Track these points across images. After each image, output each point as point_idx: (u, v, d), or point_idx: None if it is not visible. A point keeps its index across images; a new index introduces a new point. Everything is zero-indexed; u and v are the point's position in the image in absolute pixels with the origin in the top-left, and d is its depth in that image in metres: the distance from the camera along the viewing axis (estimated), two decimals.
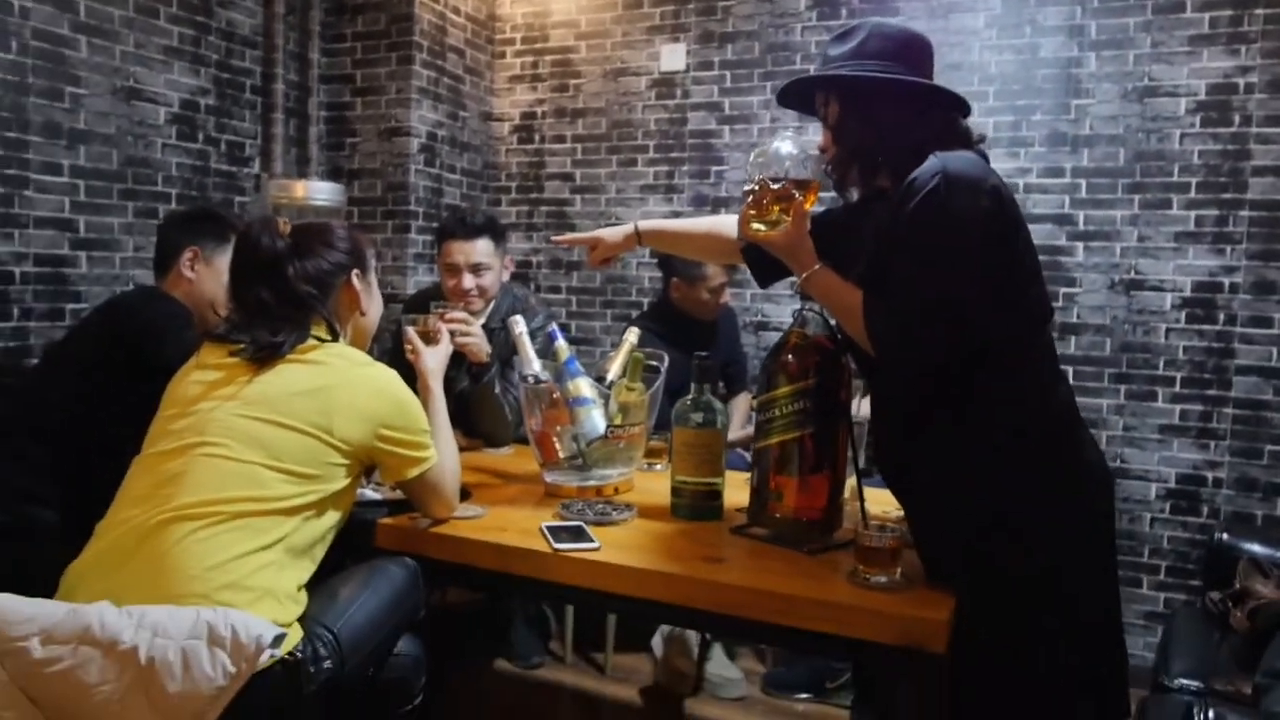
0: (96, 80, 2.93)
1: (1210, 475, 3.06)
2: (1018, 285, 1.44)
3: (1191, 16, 3.04)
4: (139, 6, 3.06)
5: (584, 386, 1.96)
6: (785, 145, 1.53)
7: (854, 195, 1.69)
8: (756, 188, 1.52)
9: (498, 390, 2.41)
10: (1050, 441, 1.45)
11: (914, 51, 1.55)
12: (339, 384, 1.53)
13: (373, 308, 1.77)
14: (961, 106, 1.54)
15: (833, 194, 1.70)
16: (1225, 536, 2.66)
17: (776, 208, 1.51)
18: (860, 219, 1.63)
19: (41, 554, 1.68)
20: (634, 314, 3.64)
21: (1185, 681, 2.08)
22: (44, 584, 1.38)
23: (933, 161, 1.41)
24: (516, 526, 1.74)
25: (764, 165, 1.53)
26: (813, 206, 1.56)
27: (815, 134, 1.64)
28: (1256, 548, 2.52)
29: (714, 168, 3.74)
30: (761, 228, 1.53)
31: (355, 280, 1.70)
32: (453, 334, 2.07)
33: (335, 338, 1.64)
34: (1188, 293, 3.08)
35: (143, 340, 2.00)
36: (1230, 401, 3.03)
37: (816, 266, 1.51)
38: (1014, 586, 1.40)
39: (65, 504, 1.87)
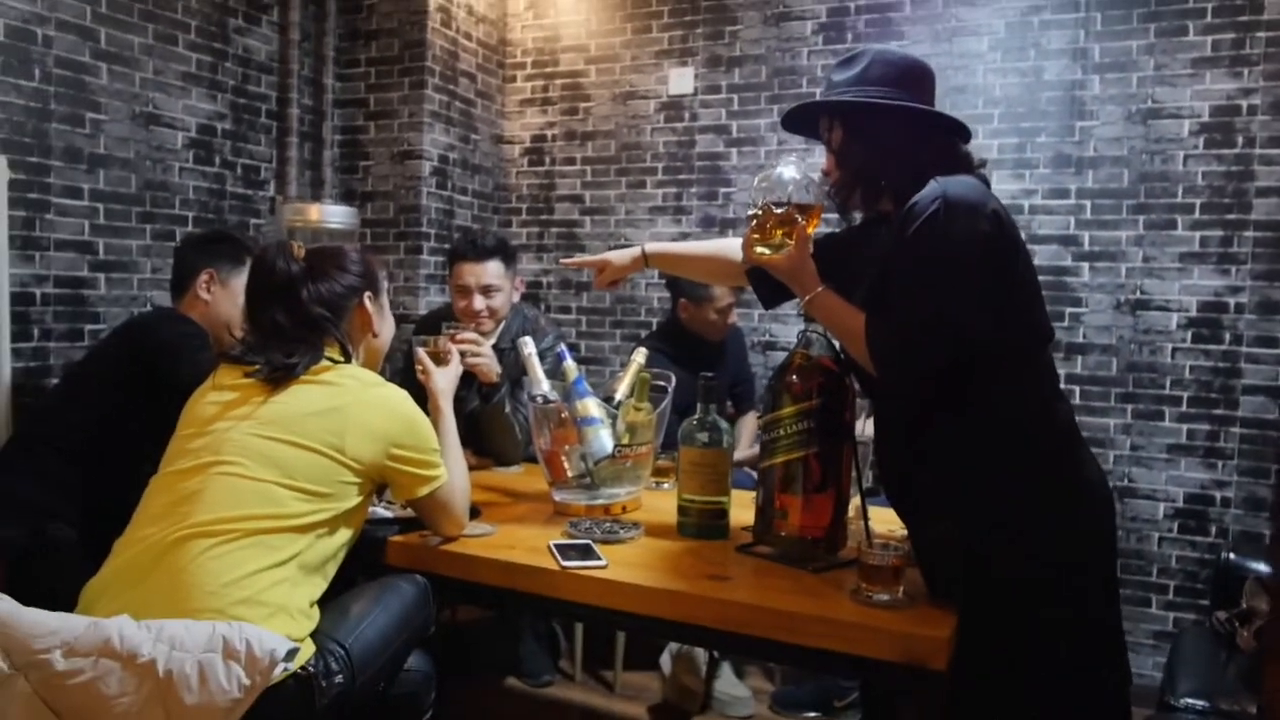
0: (116, 106, 3.00)
1: (1218, 495, 3.07)
2: (1017, 306, 1.47)
3: (1194, 39, 3.07)
4: (158, 34, 3.12)
5: (592, 406, 1.98)
6: (788, 170, 1.56)
7: (857, 218, 1.72)
8: (760, 212, 1.55)
9: (508, 410, 2.44)
10: (1050, 457, 1.47)
11: (916, 78, 1.58)
12: (351, 404, 1.56)
13: (385, 329, 1.80)
14: (962, 131, 1.57)
15: (836, 216, 1.73)
16: (1233, 556, 2.66)
17: (779, 231, 1.54)
18: (863, 241, 1.66)
19: (61, 570, 1.72)
20: (643, 334, 3.67)
21: (1191, 701, 2.08)
22: (64, 600, 1.41)
23: (933, 186, 1.44)
24: (525, 544, 1.76)
25: (767, 190, 1.56)
26: (815, 230, 1.59)
27: (820, 158, 1.67)
28: (1264, 567, 2.52)
29: (722, 189, 3.78)
30: (765, 251, 1.56)
31: (368, 302, 1.74)
32: (463, 355, 2.11)
33: (348, 359, 1.67)
34: (1193, 313, 3.09)
35: (159, 360, 2.04)
36: (1237, 421, 3.03)
37: (819, 289, 1.54)
38: (1014, 598, 1.42)
39: (84, 521, 1.91)
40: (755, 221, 1.56)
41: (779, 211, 1.54)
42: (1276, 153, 2.97)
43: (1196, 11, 3.06)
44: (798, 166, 1.58)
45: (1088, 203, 3.22)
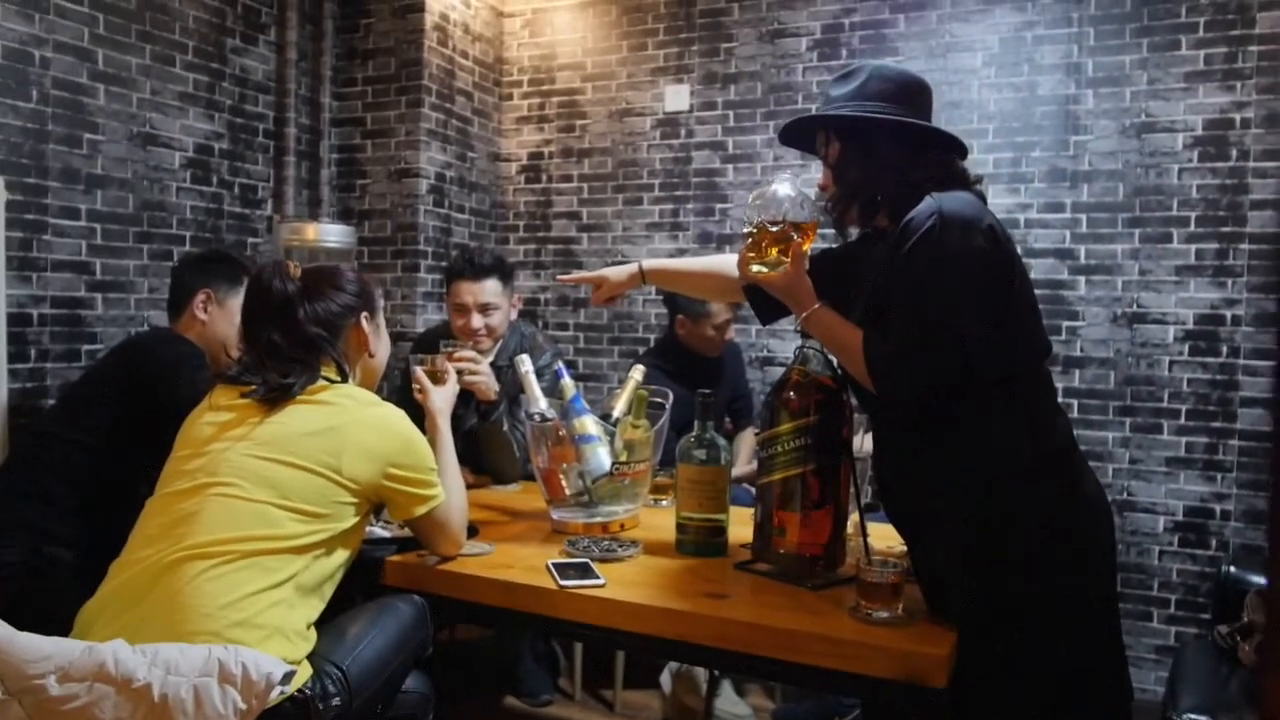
0: (114, 127, 3.01)
1: (1218, 508, 3.06)
2: (1014, 321, 1.47)
3: (1187, 54, 3.08)
4: (155, 55, 3.14)
5: (589, 424, 1.98)
6: (783, 187, 1.57)
7: (853, 234, 1.72)
8: (755, 230, 1.55)
9: (505, 428, 2.44)
10: (1049, 471, 1.46)
11: (913, 93, 1.58)
12: (347, 424, 1.56)
13: (381, 349, 1.80)
14: (959, 148, 1.58)
15: (832, 232, 1.73)
16: (1233, 569, 2.65)
17: (775, 249, 1.54)
18: (859, 257, 1.66)
19: (57, 593, 1.71)
20: (640, 351, 3.67)
21: (1194, 716, 2.07)
22: (60, 622, 1.40)
23: (929, 202, 1.44)
24: (523, 563, 1.76)
25: (762, 207, 1.56)
26: (810, 247, 1.60)
27: (817, 174, 1.67)
28: (1265, 580, 2.51)
29: (718, 205, 3.79)
30: (761, 269, 1.56)
31: (364, 322, 1.73)
32: (460, 373, 2.10)
33: (344, 378, 1.67)
34: (1190, 325, 3.10)
35: (157, 381, 2.04)
36: (1236, 434, 3.03)
37: (816, 305, 1.54)
38: (1013, 608, 1.41)
39: (81, 543, 1.90)
40: (750, 240, 1.57)
41: (774, 229, 1.54)
42: (1270, 165, 2.98)
43: (1189, 26, 3.08)
44: (792, 184, 1.58)
45: (1083, 216, 3.23)
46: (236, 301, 2.15)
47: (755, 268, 1.56)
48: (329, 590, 1.54)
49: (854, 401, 1.66)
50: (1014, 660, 1.41)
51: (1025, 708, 1.41)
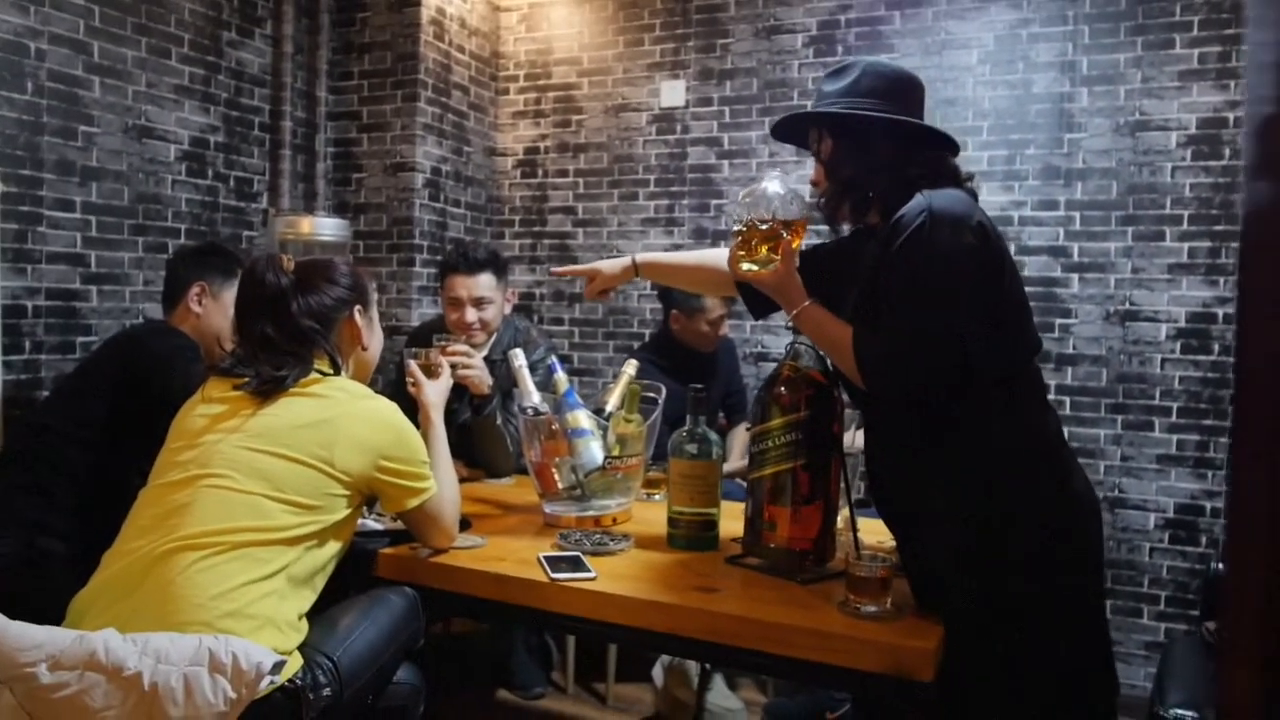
0: (109, 119, 3.00)
1: (1208, 505, 3.07)
2: (1004, 318, 1.47)
3: (1181, 52, 3.09)
4: (151, 47, 3.13)
5: (582, 418, 1.99)
6: (772, 185, 1.57)
7: (845, 230, 1.73)
8: (744, 228, 1.56)
9: (499, 422, 2.44)
10: (1038, 468, 1.47)
11: (906, 90, 1.59)
12: (340, 416, 1.57)
13: (374, 342, 1.81)
14: (951, 145, 1.58)
15: (825, 228, 1.74)
16: (1222, 566, 2.66)
17: (765, 247, 1.54)
18: (850, 253, 1.67)
19: (50, 583, 1.72)
20: (635, 345, 3.68)
21: (1181, 712, 2.08)
22: (53, 612, 1.41)
23: (919, 199, 1.45)
24: (515, 556, 1.76)
25: (752, 205, 1.56)
26: (800, 245, 1.60)
27: (811, 169, 1.68)
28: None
29: (713, 201, 3.80)
30: (751, 267, 1.56)
31: (357, 315, 1.74)
32: (454, 367, 2.11)
33: (337, 371, 1.67)
34: (1182, 323, 3.11)
35: (151, 373, 2.04)
36: (1226, 431, 3.04)
37: (806, 303, 1.55)
38: (1002, 607, 1.42)
39: (73, 534, 1.90)
40: (740, 238, 1.57)
41: (764, 227, 1.54)
42: None
43: (1183, 25, 3.09)
44: (782, 181, 1.59)
45: (1076, 214, 3.24)
46: (230, 294, 2.15)
47: (745, 265, 1.57)
48: (320, 582, 1.55)
49: (845, 398, 1.66)
50: (1014, 660, 1.42)
51: (1024, 707, 1.42)
